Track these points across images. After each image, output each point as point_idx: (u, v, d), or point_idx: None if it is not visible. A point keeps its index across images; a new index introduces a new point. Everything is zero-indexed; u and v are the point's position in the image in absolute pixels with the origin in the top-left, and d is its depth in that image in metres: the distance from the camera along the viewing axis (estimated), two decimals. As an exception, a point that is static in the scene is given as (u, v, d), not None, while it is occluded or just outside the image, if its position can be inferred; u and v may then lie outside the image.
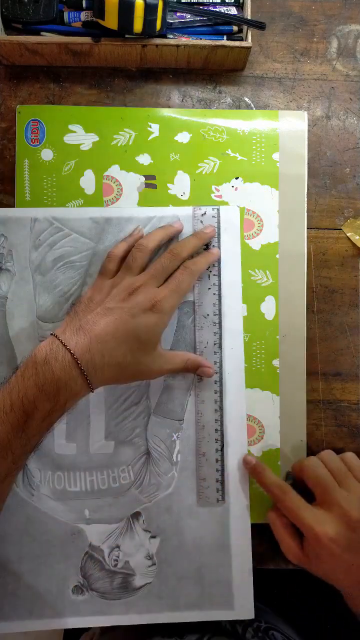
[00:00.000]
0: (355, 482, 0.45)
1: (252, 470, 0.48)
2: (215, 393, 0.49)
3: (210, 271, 0.50)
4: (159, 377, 0.48)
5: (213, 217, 0.50)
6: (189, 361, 0.48)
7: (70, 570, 0.48)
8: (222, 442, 0.49)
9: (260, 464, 0.48)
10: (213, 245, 0.50)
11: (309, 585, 0.64)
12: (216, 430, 0.49)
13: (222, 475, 0.49)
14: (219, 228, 0.50)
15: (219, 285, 0.50)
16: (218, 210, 0.50)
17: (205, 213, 0.50)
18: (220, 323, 0.49)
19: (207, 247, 0.49)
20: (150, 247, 0.47)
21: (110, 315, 0.43)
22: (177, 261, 0.47)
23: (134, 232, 0.49)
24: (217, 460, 0.49)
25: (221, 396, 0.49)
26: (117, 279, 0.46)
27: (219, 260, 0.50)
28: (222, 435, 0.49)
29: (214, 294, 0.50)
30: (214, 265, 0.50)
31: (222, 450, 0.49)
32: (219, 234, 0.50)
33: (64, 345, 0.41)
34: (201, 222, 0.50)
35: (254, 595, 0.48)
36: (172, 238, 0.49)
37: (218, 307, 0.49)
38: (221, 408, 0.49)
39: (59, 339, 0.42)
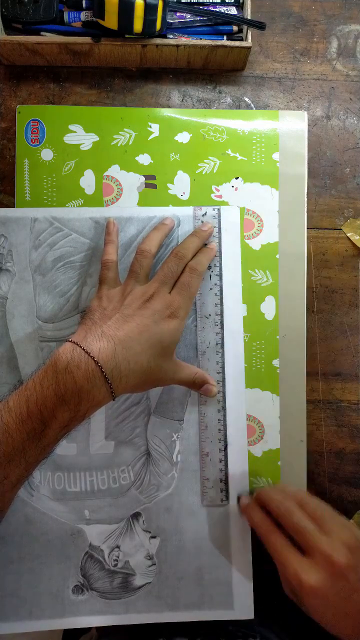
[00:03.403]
0: (334, 524, 0.41)
1: (244, 510, 0.46)
2: (218, 393, 0.49)
3: (212, 271, 0.50)
4: (169, 385, 0.47)
5: (214, 217, 0.50)
6: (197, 375, 0.47)
7: (70, 570, 0.48)
8: (225, 442, 0.49)
9: (251, 505, 0.46)
10: (210, 241, 0.50)
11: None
12: (219, 431, 0.49)
13: (226, 475, 0.49)
14: (219, 228, 0.50)
15: (221, 286, 0.50)
16: (219, 210, 0.50)
17: (205, 213, 0.50)
18: (222, 323, 0.49)
19: (205, 245, 0.50)
20: (153, 252, 0.46)
21: (132, 321, 0.42)
22: (183, 264, 0.46)
23: (110, 228, 0.49)
24: (220, 461, 0.49)
25: (224, 396, 0.49)
26: (126, 287, 0.45)
27: (219, 260, 0.50)
28: (224, 436, 0.49)
29: (216, 294, 0.50)
30: (215, 264, 0.50)
31: (225, 450, 0.49)
32: (220, 234, 0.50)
33: (87, 352, 0.40)
34: (202, 222, 0.50)
35: (253, 598, 0.48)
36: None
37: (220, 308, 0.49)
38: (224, 408, 0.49)
39: (80, 346, 0.40)
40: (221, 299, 0.49)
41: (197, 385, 0.48)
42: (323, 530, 0.41)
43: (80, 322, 0.47)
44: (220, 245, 0.50)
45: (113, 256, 0.48)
